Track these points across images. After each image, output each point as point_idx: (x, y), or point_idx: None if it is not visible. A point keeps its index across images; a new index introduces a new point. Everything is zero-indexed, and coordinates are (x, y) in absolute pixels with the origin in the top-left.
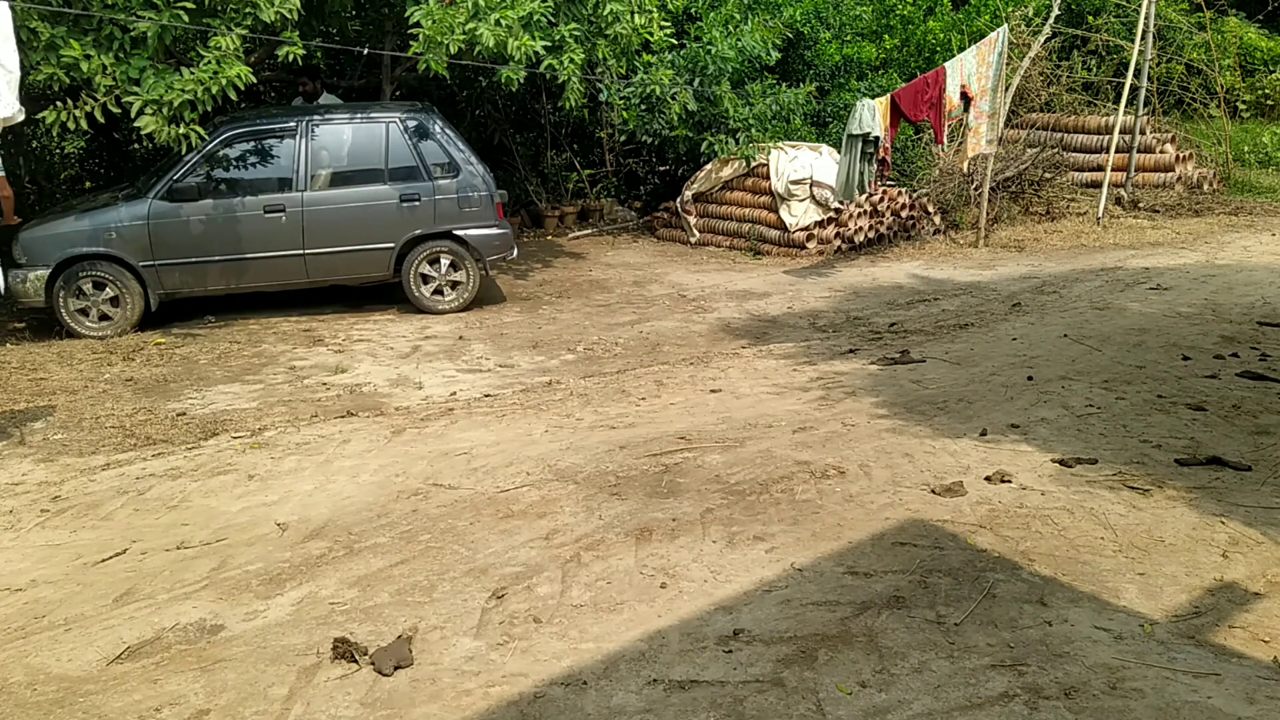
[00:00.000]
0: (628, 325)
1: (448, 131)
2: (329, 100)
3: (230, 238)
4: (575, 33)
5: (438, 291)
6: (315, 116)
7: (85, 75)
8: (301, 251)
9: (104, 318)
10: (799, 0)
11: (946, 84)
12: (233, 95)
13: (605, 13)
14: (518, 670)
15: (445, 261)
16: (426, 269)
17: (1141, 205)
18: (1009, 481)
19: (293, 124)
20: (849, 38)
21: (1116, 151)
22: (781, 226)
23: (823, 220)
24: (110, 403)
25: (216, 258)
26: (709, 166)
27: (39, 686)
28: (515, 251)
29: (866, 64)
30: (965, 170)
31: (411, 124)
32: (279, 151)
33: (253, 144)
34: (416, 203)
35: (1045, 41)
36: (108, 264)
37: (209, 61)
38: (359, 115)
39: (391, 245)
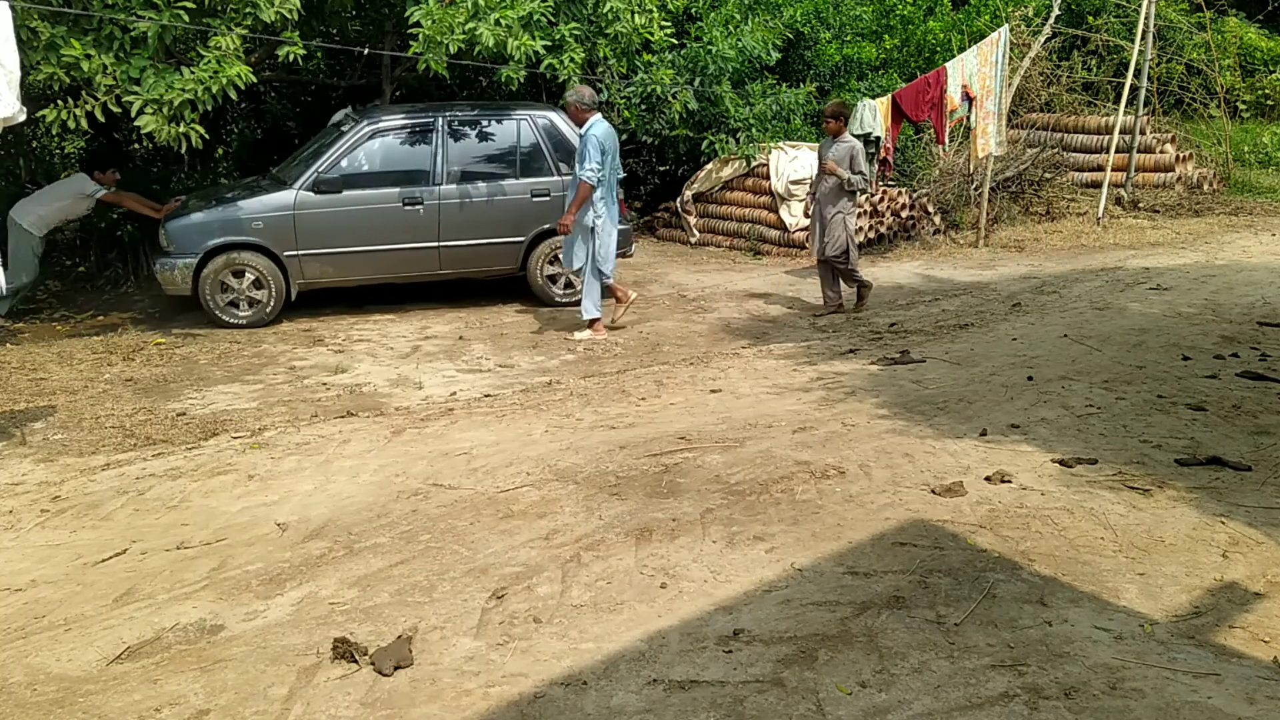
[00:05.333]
0: (628, 325)
1: (575, 129)
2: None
3: (370, 229)
4: (575, 32)
5: (569, 285)
6: (452, 113)
7: (85, 75)
8: (436, 244)
9: (253, 303)
10: (799, 0)
11: (948, 84)
12: (233, 95)
13: (605, 11)
14: (518, 670)
15: None
16: (549, 267)
17: (1141, 205)
18: (1009, 481)
19: (430, 119)
20: (849, 38)
21: (1116, 151)
22: (782, 226)
23: None
24: (110, 403)
25: (356, 248)
26: (709, 166)
27: (39, 686)
28: (634, 248)
29: (866, 64)
30: (970, 170)
31: (541, 121)
32: (417, 146)
33: (393, 138)
34: (545, 198)
35: (1045, 41)
36: (252, 253)
37: (209, 61)
38: (492, 112)
39: (521, 239)
